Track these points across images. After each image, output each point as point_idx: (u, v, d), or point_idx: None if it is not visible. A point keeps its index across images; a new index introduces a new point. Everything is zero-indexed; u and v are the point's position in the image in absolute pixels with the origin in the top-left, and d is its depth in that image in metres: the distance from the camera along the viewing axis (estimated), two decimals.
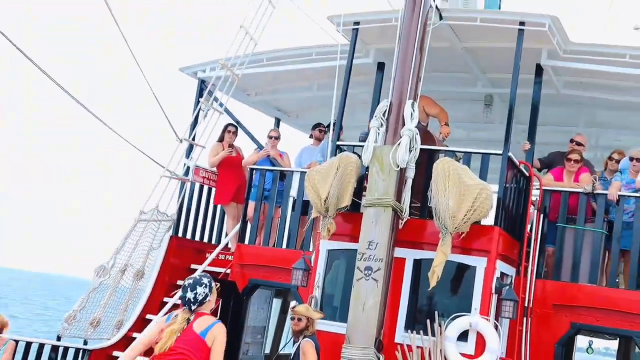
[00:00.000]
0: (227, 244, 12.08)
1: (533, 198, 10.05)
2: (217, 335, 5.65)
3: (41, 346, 10.96)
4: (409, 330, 9.04)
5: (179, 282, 11.24)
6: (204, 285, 5.82)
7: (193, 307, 5.73)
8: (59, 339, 11.04)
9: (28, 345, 10.77)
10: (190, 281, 5.89)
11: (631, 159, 10.20)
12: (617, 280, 9.68)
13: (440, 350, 8.71)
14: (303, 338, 8.53)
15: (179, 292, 6.17)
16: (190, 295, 5.74)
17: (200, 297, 5.75)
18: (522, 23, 9.48)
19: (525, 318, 9.46)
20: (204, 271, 11.15)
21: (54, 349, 11.01)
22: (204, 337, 5.59)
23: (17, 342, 10.13)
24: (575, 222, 9.82)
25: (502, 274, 9.20)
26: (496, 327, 8.87)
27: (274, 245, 11.33)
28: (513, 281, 9.47)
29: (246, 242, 11.52)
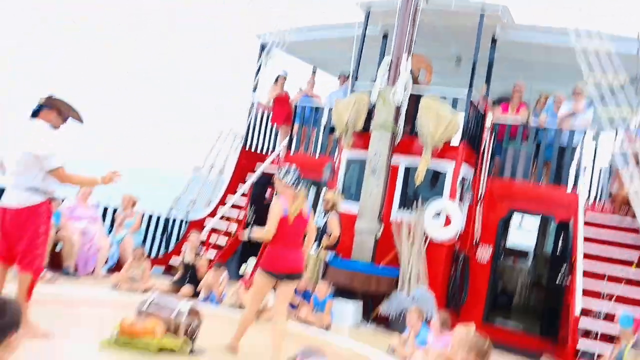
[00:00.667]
0: (279, 153, 12.15)
1: (488, 124, 10.10)
2: (310, 215, 5.89)
3: (158, 218, 11.35)
4: (401, 210, 9.47)
5: (248, 176, 11.64)
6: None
7: (300, 186, 5.82)
8: (169, 212, 11.55)
9: (149, 217, 11.14)
10: (294, 168, 5.93)
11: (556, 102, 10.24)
12: (541, 180, 9.96)
13: (421, 223, 9.07)
14: (330, 214, 9.02)
15: (289, 176, 5.78)
16: (295, 175, 5.81)
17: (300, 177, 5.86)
18: (483, 9, 9.59)
19: (478, 204, 9.72)
20: (263, 173, 11.62)
21: (166, 220, 11.42)
22: (308, 217, 5.83)
23: (142, 214, 10.53)
24: (514, 141, 10.03)
25: (465, 174, 9.48)
26: (459, 209, 9.19)
27: (311, 154, 11.47)
28: (471, 179, 9.76)
29: (292, 151, 11.68)
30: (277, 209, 5.69)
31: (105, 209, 10.23)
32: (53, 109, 5.45)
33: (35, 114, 5.40)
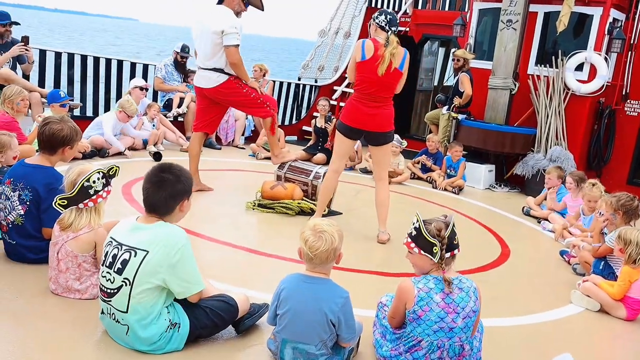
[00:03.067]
0: (405, 10, 11.48)
1: None
2: (407, 66, 5.15)
3: (288, 85, 11.47)
4: (539, 65, 8.85)
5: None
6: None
7: (395, 29, 5.11)
8: (299, 79, 11.67)
9: (280, 85, 11.25)
10: (387, 10, 5.46)
11: None
12: None
13: (561, 78, 8.55)
14: (461, 72, 8.80)
15: (383, 17, 5.10)
16: (397, 20, 5.18)
17: (397, 21, 5.18)
18: None
19: (630, 52, 8.79)
20: None
21: (297, 87, 11.59)
22: (401, 69, 5.09)
23: (274, 83, 10.59)
24: None
25: (614, 19, 8.49)
26: (606, 59, 8.47)
27: (440, 8, 11.03)
28: (623, 24, 8.71)
29: (419, 7, 11.30)
30: (355, 52, 5.14)
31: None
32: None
33: (220, 1, 5.90)
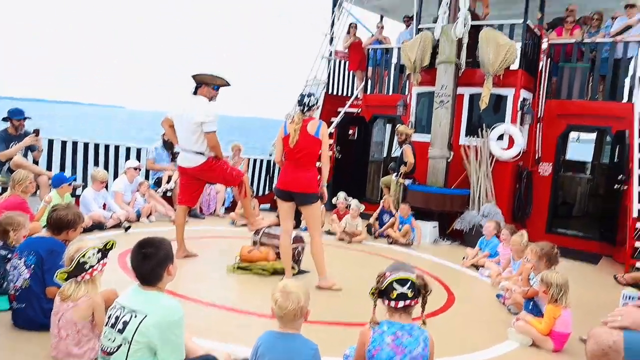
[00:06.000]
0: (357, 95, 11.77)
1: (543, 47, 9.47)
2: (324, 132, 5.16)
3: (261, 161, 11.36)
4: (468, 136, 9.16)
5: (332, 120, 11.22)
6: (313, 97, 5.26)
7: (305, 110, 5.17)
8: (270, 155, 11.29)
9: (254, 161, 11.23)
10: (306, 92, 5.39)
11: (613, 17, 9.55)
12: (597, 96, 9.22)
13: (487, 146, 8.84)
14: (404, 145, 8.98)
15: (297, 99, 5.28)
16: (305, 100, 5.17)
17: (311, 103, 5.18)
18: None
19: (538, 124, 9.28)
20: (345, 113, 11.46)
21: (268, 162, 11.35)
22: (317, 135, 5.11)
23: (248, 159, 10.68)
24: (570, 61, 9.35)
25: (524, 98, 8.93)
26: (521, 131, 8.82)
27: (385, 93, 11.16)
28: (531, 102, 9.15)
29: (368, 92, 11.34)
30: (280, 130, 5.25)
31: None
32: (204, 86, 5.99)
33: (195, 91, 6.00)
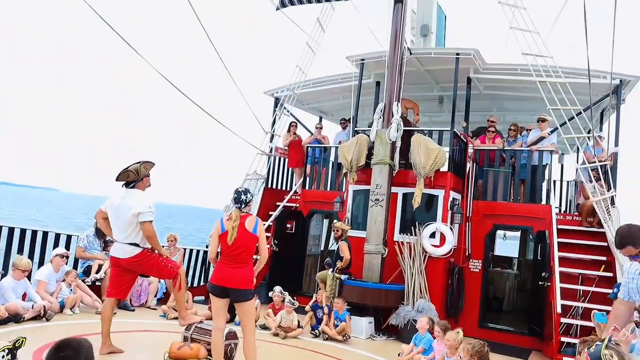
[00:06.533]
0: (295, 190, 12.11)
1: (469, 152, 10.06)
2: (261, 229, 5.19)
3: (197, 252, 11.22)
4: (402, 233, 9.35)
5: (270, 213, 11.31)
6: (249, 193, 5.28)
7: (242, 207, 5.20)
8: (207, 247, 10.94)
9: (190, 252, 11.03)
10: (242, 189, 5.33)
11: (527, 129, 10.46)
12: (519, 198, 9.92)
13: (420, 243, 9.03)
14: (340, 241, 9.07)
15: (233, 195, 5.26)
16: (242, 197, 5.19)
17: (247, 200, 5.21)
18: (457, 54, 9.68)
19: (467, 223, 9.70)
20: (284, 207, 11.80)
21: (205, 253, 11.18)
22: (255, 232, 5.12)
23: (184, 250, 10.40)
24: (493, 166, 9.98)
25: (454, 198, 9.38)
26: (451, 229, 9.12)
27: (323, 189, 11.39)
28: (460, 202, 9.66)
29: (307, 188, 11.64)
30: (216, 226, 5.20)
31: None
32: (140, 180, 5.93)
33: (132, 186, 5.92)
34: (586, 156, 9.17)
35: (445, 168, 9.40)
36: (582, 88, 8.98)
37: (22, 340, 3.15)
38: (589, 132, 9.26)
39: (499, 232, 11.03)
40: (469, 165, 10.03)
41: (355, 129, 10.43)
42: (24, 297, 7.24)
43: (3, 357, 3.05)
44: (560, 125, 9.38)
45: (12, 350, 3.09)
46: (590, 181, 8.89)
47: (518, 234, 12.32)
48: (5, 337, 3.18)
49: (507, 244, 14.13)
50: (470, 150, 10.09)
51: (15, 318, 6.69)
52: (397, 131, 9.16)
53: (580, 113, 9.01)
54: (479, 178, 10.10)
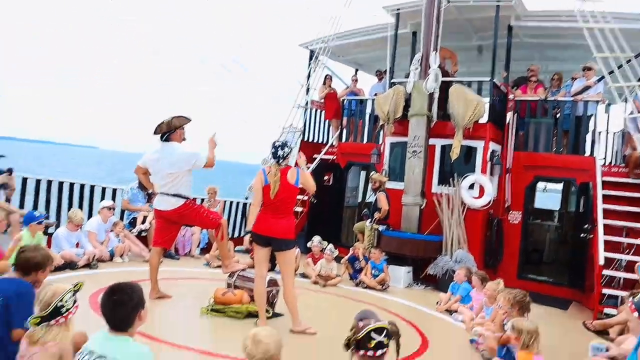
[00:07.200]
0: (332, 143, 12.01)
1: (509, 103, 9.72)
2: (303, 173, 5.30)
3: (237, 204, 11.28)
4: (440, 185, 9.28)
5: (308, 166, 11.62)
6: (287, 147, 5.25)
7: (280, 161, 5.20)
8: (246, 198, 11.25)
9: (230, 203, 11.15)
10: (279, 143, 5.28)
11: (573, 78, 9.91)
12: (562, 149, 9.56)
13: (458, 195, 8.93)
14: (378, 192, 9.09)
15: (271, 150, 5.23)
16: (280, 152, 5.16)
17: (285, 154, 5.19)
18: (498, 1, 9.23)
19: (507, 174, 9.49)
20: (321, 159, 11.77)
21: (244, 205, 11.23)
22: (297, 184, 5.20)
23: (224, 202, 10.60)
24: (535, 116, 9.66)
25: (493, 150, 9.18)
26: (490, 180, 8.99)
27: (360, 141, 11.37)
28: (500, 153, 9.45)
29: (343, 140, 11.61)
30: (258, 177, 5.21)
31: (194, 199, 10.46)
32: (173, 132, 5.98)
33: (166, 138, 5.97)
34: (635, 105, 8.76)
35: (484, 119, 9.14)
36: (632, 34, 8.52)
37: (80, 285, 3.31)
38: (639, 80, 8.77)
39: (540, 185, 10.74)
40: (509, 116, 9.71)
41: (392, 80, 10.20)
42: (76, 246, 7.57)
43: (70, 297, 3.22)
44: (608, 74, 8.92)
45: (75, 293, 3.26)
46: (639, 132, 8.50)
47: (559, 186, 12.02)
48: (63, 282, 3.33)
49: (548, 197, 13.82)
50: (511, 102, 9.73)
51: (70, 265, 7.04)
52: (435, 82, 8.89)
53: (629, 60, 8.55)
54: (519, 129, 9.79)
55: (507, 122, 9.71)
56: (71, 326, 3.26)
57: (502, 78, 9.78)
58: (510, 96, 9.81)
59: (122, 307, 2.73)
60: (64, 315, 3.18)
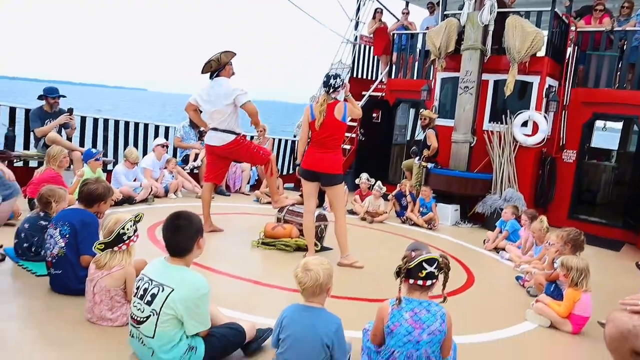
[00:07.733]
0: (381, 79, 11.86)
1: (571, 35, 9.05)
2: (352, 108, 5.17)
3: (286, 141, 11.37)
4: (492, 122, 9.02)
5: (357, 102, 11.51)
6: (339, 78, 5.16)
7: (330, 91, 5.12)
8: (294, 136, 11.37)
9: (279, 141, 11.23)
10: (333, 73, 5.25)
11: None
12: (625, 85, 8.91)
13: (511, 132, 8.71)
14: (428, 129, 8.90)
15: (323, 80, 5.19)
16: (332, 81, 5.10)
17: (337, 85, 5.11)
18: None
19: (563, 111, 9.11)
20: (369, 96, 11.79)
21: (293, 143, 11.34)
22: (344, 120, 5.15)
23: (273, 139, 10.74)
24: (598, 49, 9.03)
25: (550, 85, 8.78)
26: (545, 118, 8.69)
27: (409, 77, 11.03)
28: (557, 89, 9.03)
29: (393, 76, 11.30)
30: (305, 114, 5.25)
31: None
32: (222, 68, 6.00)
33: (216, 75, 6.00)
34: None
35: (542, 53, 8.68)
36: None
37: (141, 216, 3.55)
38: None
39: (598, 123, 10.25)
40: (569, 49, 9.18)
41: (445, 12, 9.74)
42: (134, 181, 7.94)
43: (131, 226, 3.48)
44: None
45: (135, 223, 3.50)
46: None
47: (619, 125, 11.49)
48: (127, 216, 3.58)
49: (606, 136, 13.21)
50: (572, 33, 9.13)
51: (128, 200, 7.43)
52: (491, 13, 8.48)
53: None
54: (580, 63, 9.29)
55: (566, 55, 9.20)
56: (133, 253, 3.52)
57: (565, 7, 9.22)
58: (572, 27, 9.21)
59: (184, 231, 2.87)
60: (125, 242, 3.46)
